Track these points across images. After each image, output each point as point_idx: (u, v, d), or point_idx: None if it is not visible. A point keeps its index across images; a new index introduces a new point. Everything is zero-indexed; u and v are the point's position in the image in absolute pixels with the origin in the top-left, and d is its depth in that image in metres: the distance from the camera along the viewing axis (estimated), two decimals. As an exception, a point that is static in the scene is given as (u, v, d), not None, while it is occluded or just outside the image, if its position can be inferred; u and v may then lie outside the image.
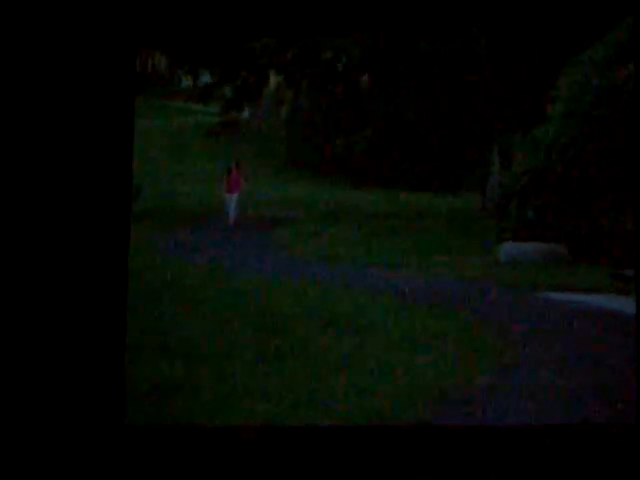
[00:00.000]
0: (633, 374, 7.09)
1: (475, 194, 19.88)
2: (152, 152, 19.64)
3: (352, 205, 19.78)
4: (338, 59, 19.10)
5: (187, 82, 21.06)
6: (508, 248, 15.72)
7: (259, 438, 4.80)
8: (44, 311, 4.62)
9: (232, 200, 18.21)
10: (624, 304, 11.52)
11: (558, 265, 14.87)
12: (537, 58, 17.35)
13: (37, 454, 4.70)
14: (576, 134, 15.71)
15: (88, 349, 4.72)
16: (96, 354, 4.76)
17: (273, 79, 19.85)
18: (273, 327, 10.03)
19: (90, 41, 4.55)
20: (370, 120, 19.66)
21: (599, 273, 13.83)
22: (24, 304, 4.61)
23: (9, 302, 4.62)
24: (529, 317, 11.16)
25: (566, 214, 15.66)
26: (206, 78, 20.28)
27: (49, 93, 4.56)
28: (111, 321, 4.78)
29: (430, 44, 17.50)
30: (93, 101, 4.56)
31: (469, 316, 10.82)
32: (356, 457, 4.66)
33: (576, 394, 8.19)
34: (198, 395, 7.98)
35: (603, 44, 15.54)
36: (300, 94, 20.10)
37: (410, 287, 12.84)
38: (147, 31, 4.66)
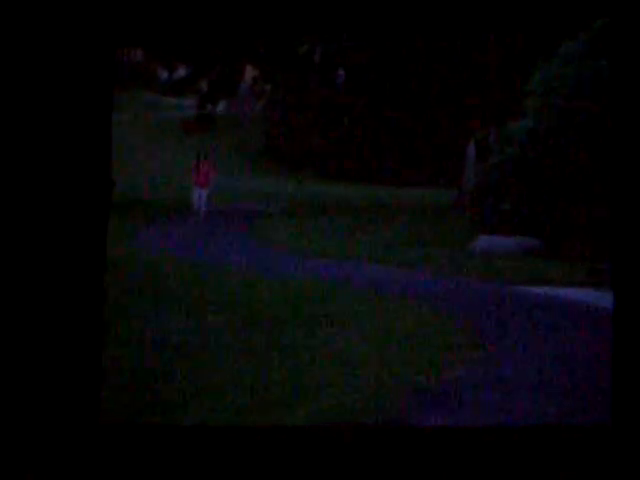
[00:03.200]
0: (603, 369, 7.13)
1: (451, 188, 20.01)
2: (128, 145, 19.61)
3: (329, 199, 19.84)
4: (314, 52, 19.13)
5: (165, 75, 21.03)
6: (483, 241, 15.82)
7: (235, 436, 4.82)
8: (20, 304, 4.63)
9: (202, 194, 18.20)
10: (598, 297, 11.62)
11: (533, 258, 14.97)
12: (512, 53, 17.46)
13: (11, 450, 4.72)
14: (550, 127, 15.81)
15: (65, 344, 4.73)
16: (73, 349, 4.77)
17: (249, 72, 19.85)
18: (250, 321, 10.05)
19: (69, 35, 4.58)
20: (346, 115, 19.71)
21: (573, 266, 13.94)
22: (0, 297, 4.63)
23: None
24: (502, 311, 11.22)
25: (540, 207, 15.75)
26: (183, 71, 20.25)
27: (27, 87, 4.58)
28: (88, 314, 4.80)
29: (406, 42, 17.56)
30: (72, 95, 4.59)
31: (442, 310, 10.87)
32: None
33: (545, 389, 8.24)
34: (173, 388, 7.99)
35: (576, 40, 15.68)
36: (277, 88, 20.11)
37: (386, 281, 12.89)
38: (125, 24, 4.69)
